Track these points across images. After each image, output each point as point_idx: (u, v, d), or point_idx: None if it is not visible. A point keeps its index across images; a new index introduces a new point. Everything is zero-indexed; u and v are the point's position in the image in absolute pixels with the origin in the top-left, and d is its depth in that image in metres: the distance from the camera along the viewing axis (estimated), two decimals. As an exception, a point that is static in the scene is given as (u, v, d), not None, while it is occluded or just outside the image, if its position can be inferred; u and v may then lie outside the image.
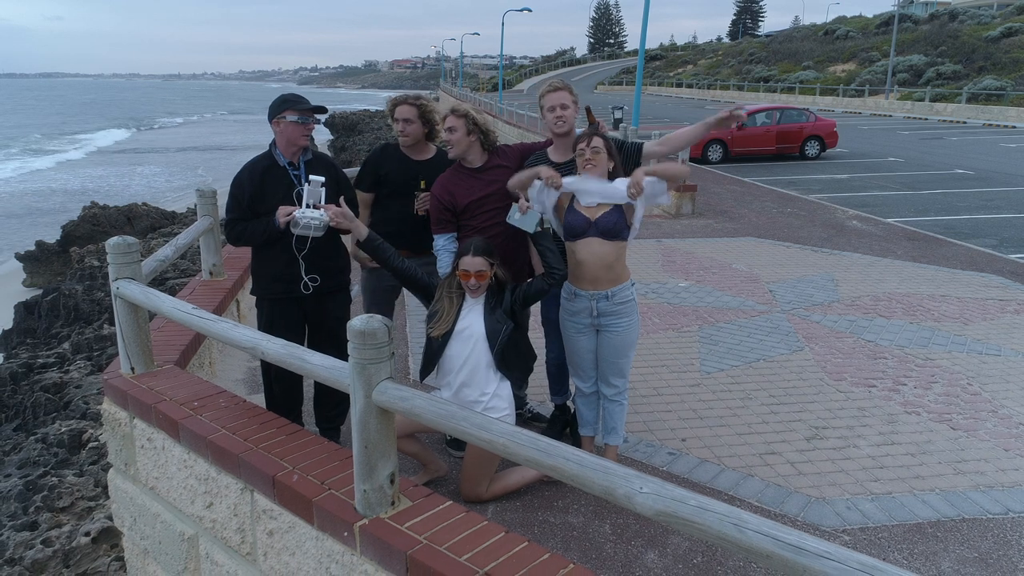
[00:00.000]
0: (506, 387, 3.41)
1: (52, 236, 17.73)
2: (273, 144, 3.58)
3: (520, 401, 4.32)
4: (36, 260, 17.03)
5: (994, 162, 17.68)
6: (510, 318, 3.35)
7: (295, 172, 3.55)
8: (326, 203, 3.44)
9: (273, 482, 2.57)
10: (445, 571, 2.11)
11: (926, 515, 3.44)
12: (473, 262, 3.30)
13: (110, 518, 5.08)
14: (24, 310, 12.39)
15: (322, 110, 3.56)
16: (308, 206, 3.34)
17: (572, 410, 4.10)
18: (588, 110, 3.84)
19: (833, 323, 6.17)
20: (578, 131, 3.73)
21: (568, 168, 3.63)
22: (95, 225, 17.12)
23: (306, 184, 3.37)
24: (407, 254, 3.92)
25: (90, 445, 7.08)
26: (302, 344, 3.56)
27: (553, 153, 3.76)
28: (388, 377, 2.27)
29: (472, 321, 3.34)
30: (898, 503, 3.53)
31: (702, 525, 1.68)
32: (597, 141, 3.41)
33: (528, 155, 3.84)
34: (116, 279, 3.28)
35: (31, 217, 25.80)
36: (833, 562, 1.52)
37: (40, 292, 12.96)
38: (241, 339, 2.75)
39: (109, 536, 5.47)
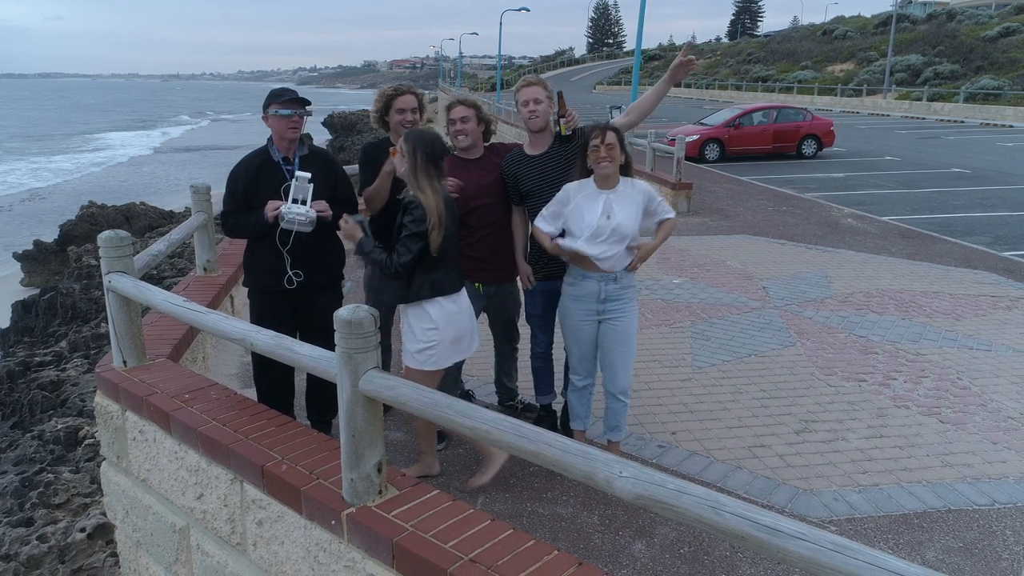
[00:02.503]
0: (416, 315, 3.29)
1: (50, 235, 17.74)
2: (270, 139, 3.61)
3: (511, 393, 4.35)
4: (34, 259, 17.05)
5: (991, 161, 17.72)
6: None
7: (288, 167, 3.57)
8: (316, 199, 3.47)
9: (262, 472, 2.59)
10: (431, 558, 2.13)
11: (913, 506, 3.47)
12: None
13: (105, 514, 5.11)
14: (22, 309, 12.41)
15: (305, 102, 3.55)
16: (295, 201, 3.37)
17: (558, 413, 4.13)
18: (560, 96, 3.81)
19: (825, 319, 6.20)
20: (556, 129, 3.77)
21: (543, 160, 3.67)
22: (93, 224, 17.11)
23: (293, 180, 3.40)
24: None
25: (86, 442, 7.10)
26: (293, 337, 3.58)
27: (529, 148, 3.80)
28: (375, 366, 2.29)
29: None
30: (885, 494, 3.56)
31: (680, 508, 1.71)
32: (611, 137, 3.32)
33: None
34: (108, 272, 3.30)
35: (44, 216, 25.84)
36: (806, 542, 1.54)
37: (38, 291, 12.98)
38: (231, 331, 2.78)
39: (104, 532, 5.48)
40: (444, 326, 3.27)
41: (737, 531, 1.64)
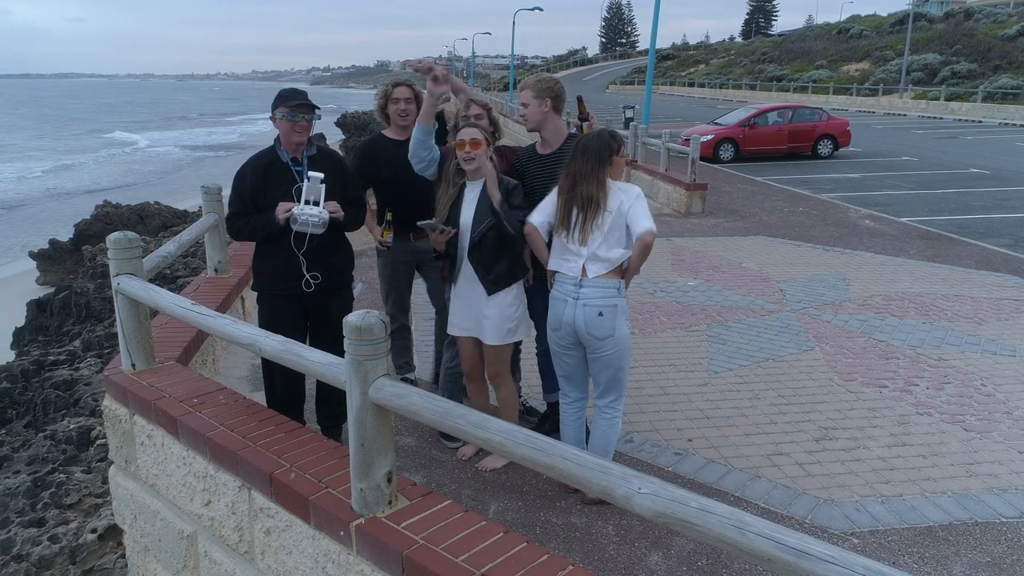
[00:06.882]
0: (502, 300, 3.45)
1: (66, 234, 17.86)
2: (277, 140, 3.56)
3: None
4: (49, 259, 17.16)
5: (1010, 161, 17.46)
6: (497, 212, 3.33)
7: (297, 168, 3.52)
8: (328, 199, 3.41)
9: (270, 480, 2.54)
10: (441, 572, 2.07)
11: (937, 518, 3.37)
12: (467, 131, 3.36)
13: (116, 515, 5.08)
14: (36, 308, 12.47)
15: (312, 107, 3.47)
16: (307, 203, 3.32)
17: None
18: (580, 100, 3.79)
19: (844, 322, 6.08)
20: (572, 130, 3.75)
21: (551, 160, 3.60)
22: (108, 224, 17.19)
23: (305, 181, 3.34)
24: (421, 236, 4.13)
25: (98, 442, 7.09)
26: (303, 341, 3.53)
27: (540, 147, 3.75)
28: (385, 374, 2.23)
29: (467, 212, 3.40)
30: (909, 505, 3.46)
31: (702, 527, 1.63)
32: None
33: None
34: (117, 275, 3.26)
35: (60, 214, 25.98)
36: (837, 567, 1.46)
37: (53, 290, 13.04)
38: (240, 335, 2.73)
39: (115, 533, 5.46)
40: (523, 300, 3.59)
41: (763, 553, 1.57)
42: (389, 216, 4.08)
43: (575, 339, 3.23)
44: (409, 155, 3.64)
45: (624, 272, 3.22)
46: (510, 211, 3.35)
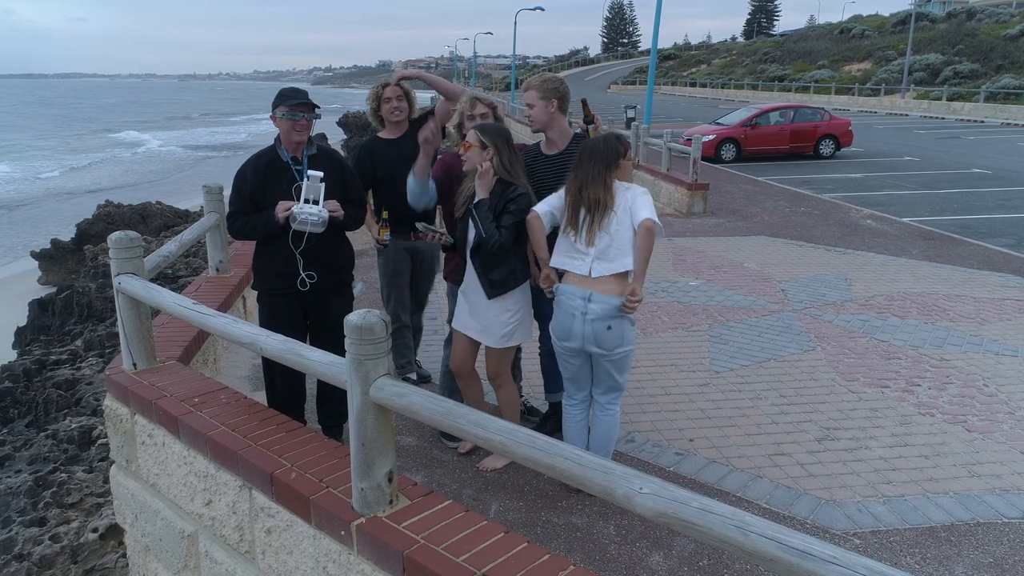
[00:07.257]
0: (500, 306, 3.45)
1: (68, 234, 17.89)
2: (278, 139, 3.56)
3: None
4: (51, 258, 17.18)
5: (1012, 161, 17.44)
6: (491, 220, 3.34)
7: (297, 167, 3.52)
8: (327, 199, 3.41)
9: (271, 480, 2.54)
10: (442, 571, 2.07)
11: (939, 519, 3.36)
12: (469, 134, 3.41)
13: (117, 515, 5.08)
14: (38, 307, 12.48)
15: (313, 106, 3.48)
16: (307, 201, 3.32)
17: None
18: (584, 103, 3.80)
19: (846, 323, 6.07)
20: (576, 130, 3.74)
21: (559, 160, 3.60)
22: (109, 223, 17.19)
23: (305, 179, 3.34)
24: (421, 236, 4.11)
25: (100, 442, 7.10)
26: (303, 340, 3.53)
27: (545, 147, 3.75)
28: (385, 373, 2.23)
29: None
30: (911, 506, 3.45)
31: (704, 528, 1.63)
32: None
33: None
34: (118, 274, 3.26)
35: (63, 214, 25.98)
36: (839, 567, 1.46)
37: (55, 290, 13.06)
38: (240, 335, 2.72)
39: (117, 533, 5.46)
40: (524, 304, 3.57)
41: (765, 553, 1.56)
42: (385, 214, 4.11)
43: (582, 347, 3.27)
44: (408, 198, 3.70)
45: (630, 276, 3.24)
46: (487, 213, 3.33)
